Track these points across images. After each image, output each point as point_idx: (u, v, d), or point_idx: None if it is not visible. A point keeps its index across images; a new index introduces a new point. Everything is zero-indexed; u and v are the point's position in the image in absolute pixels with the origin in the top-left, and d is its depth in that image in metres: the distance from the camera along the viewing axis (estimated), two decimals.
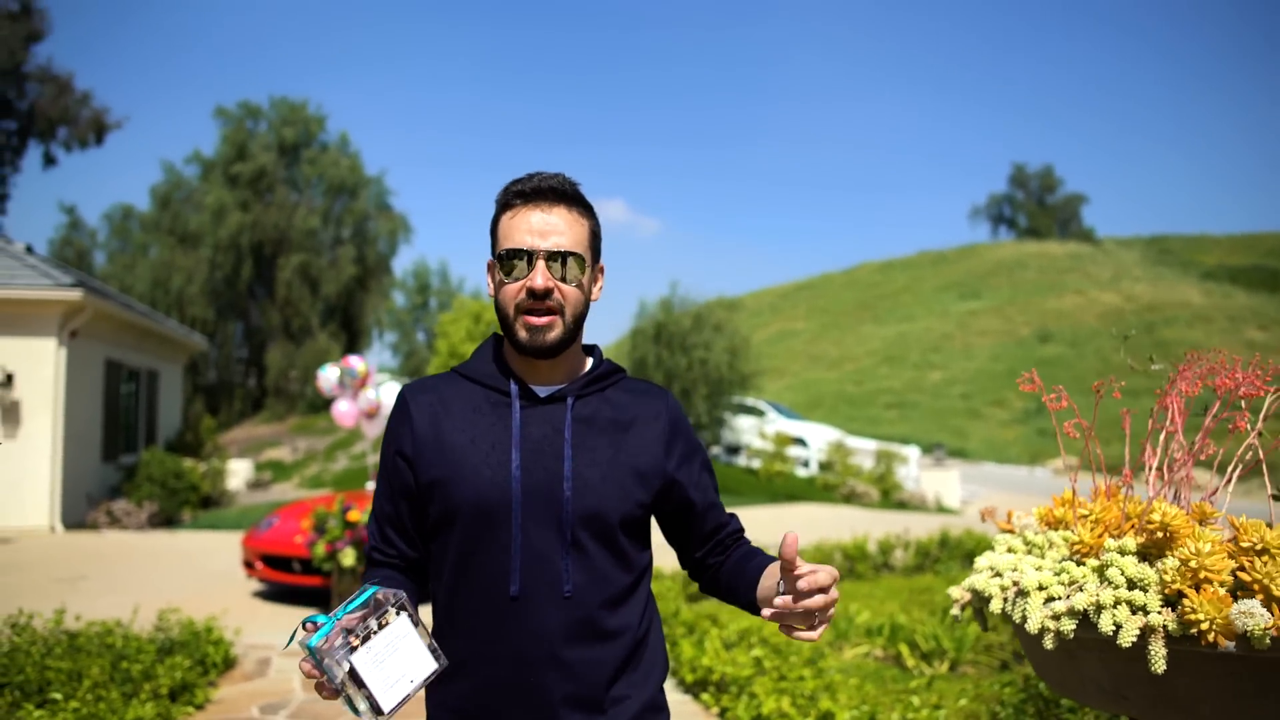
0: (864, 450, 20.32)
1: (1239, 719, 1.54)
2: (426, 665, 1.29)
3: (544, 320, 1.52)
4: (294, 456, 26.44)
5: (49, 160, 37.21)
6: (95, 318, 13.82)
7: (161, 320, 18.67)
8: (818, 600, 1.36)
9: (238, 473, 21.16)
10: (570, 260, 1.53)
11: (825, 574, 1.37)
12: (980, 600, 1.86)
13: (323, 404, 33.60)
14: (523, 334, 1.54)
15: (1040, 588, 1.71)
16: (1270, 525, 1.68)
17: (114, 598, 7.67)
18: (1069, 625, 1.61)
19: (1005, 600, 1.77)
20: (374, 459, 23.41)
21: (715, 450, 21.91)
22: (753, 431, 21.20)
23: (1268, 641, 1.43)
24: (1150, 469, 2.02)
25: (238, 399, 35.61)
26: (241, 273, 34.09)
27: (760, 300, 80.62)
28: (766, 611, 1.40)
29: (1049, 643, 1.65)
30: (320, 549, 7.03)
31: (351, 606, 1.28)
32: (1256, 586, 1.46)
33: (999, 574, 1.84)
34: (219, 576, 9.10)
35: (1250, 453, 1.95)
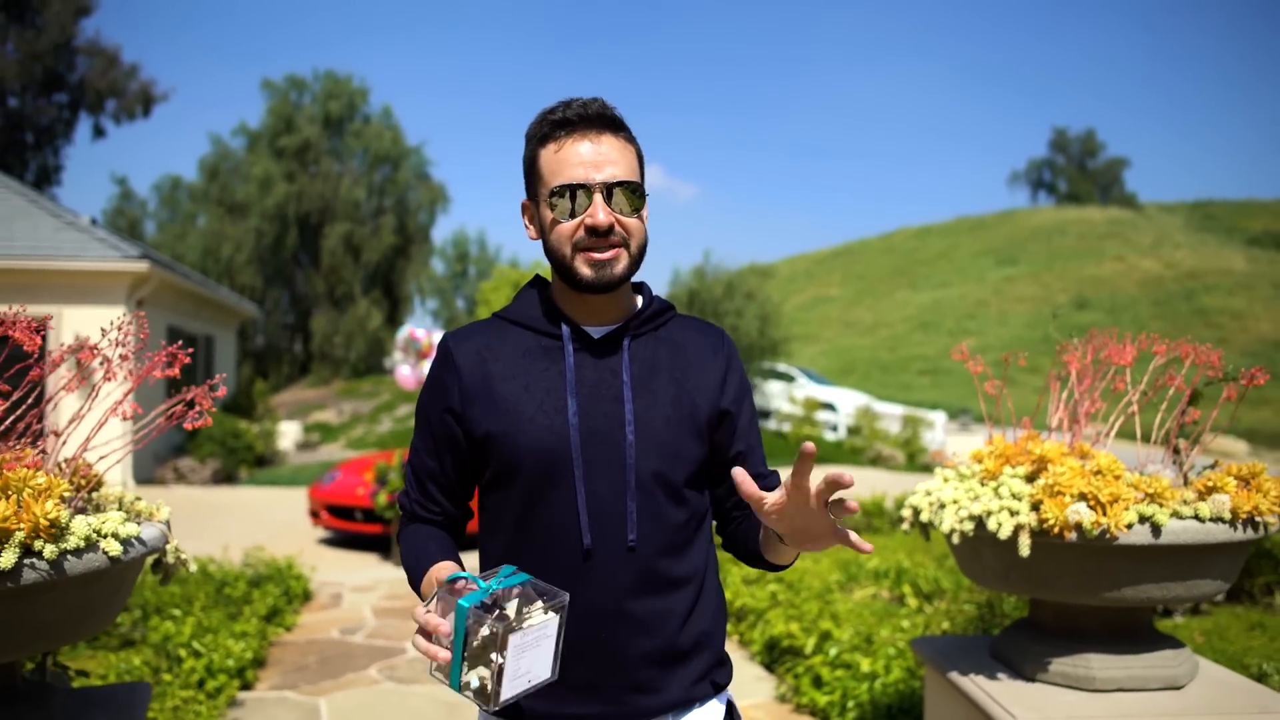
0: (891, 415, 20.81)
1: (1085, 589, 2.17)
2: (545, 671, 1.23)
3: (609, 254, 1.42)
4: (340, 419, 27.44)
5: (98, 132, 38.24)
6: (159, 287, 14.69)
7: (215, 288, 19.57)
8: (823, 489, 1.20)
9: (287, 434, 22.10)
10: (629, 191, 1.43)
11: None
12: (916, 515, 2.50)
13: (365, 369, 34.62)
14: (586, 271, 1.42)
15: (954, 502, 2.33)
16: (1145, 470, 2.29)
17: (195, 543, 8.49)
18: (969, 526, 2.24)
19: (931, 512, 2.40)
20: None
21: None
22: (783, 396, 21.74)
23: (1095, 533, 2.06)
24: (1054, 420, 2.61)
25: (285, 363, 36.77)
26: (287, 242, 35.09)
27: (795, 266, 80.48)
28: (771, 500, 1.25)
29: (956, 539, 2.29)
30: (382, 499, 7.78)
31: (506, 583, 1.22)
32: (1091, 496, 2.08)
33: (930, 494, 2.46)
34: (284, 526, 9.92)
35: (1129, 407, 2.53)
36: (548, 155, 1.44)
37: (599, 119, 1.43)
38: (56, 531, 1.63)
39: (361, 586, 7.03)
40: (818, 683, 4.27)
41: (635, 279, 1.56)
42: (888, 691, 3.77)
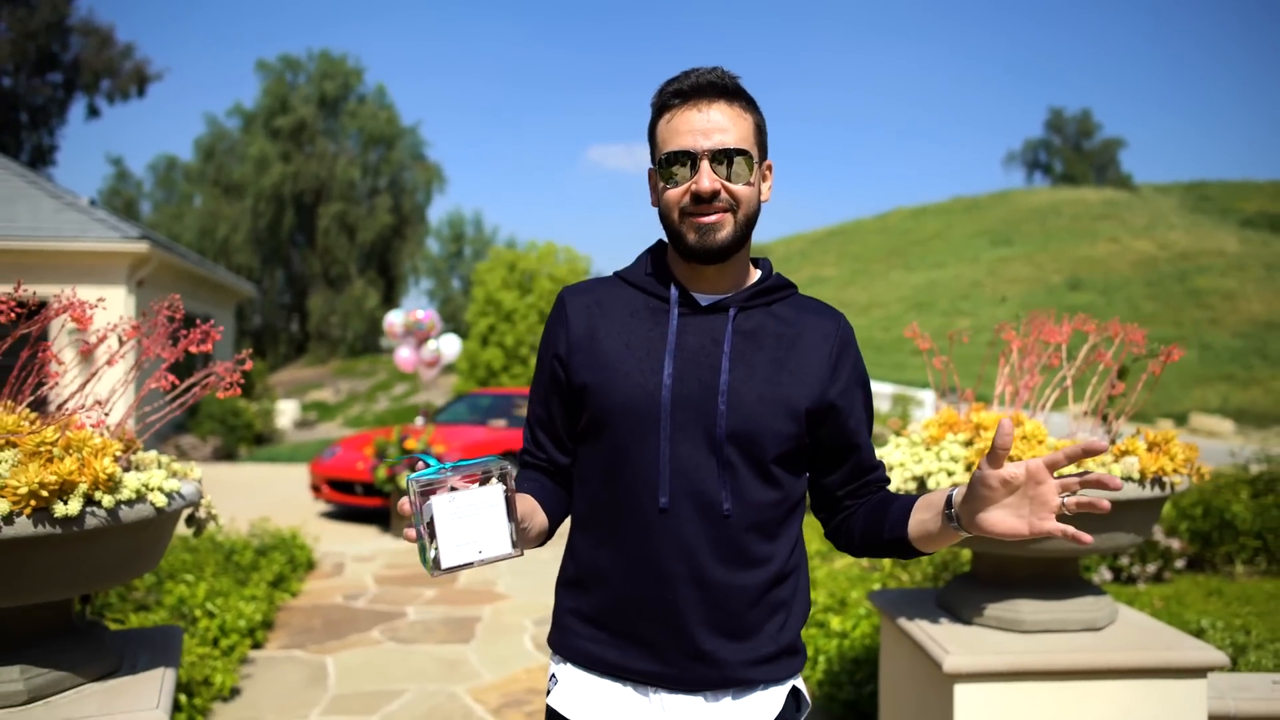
0: (881, 394, 21.12)
1: (1012, 541, 2.44)
2: (502, 545, 1.24)
3: (714, 218, 1.42)
4: (337, 398, 27.71)
5: (93, 112, 38.21)
6: (158, 268, 14.88)
7: (213, 269, 19.76)
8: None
9: (285, 412, 22.37)
10: (737, 158, 1.42)
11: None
12: None
13: (361, 348, 34.86)
14: (691, 235, 1.44)
15: (901, 464, 2.61)
16: (1076, 438, 2.55)
17: None
18: (912, 485, 2.51)
19: None
20: (417, 399, 24.52)
21: None
22: None
23: None
24: (999, 392, 2.88)
25: (282, 343, 37.00)
26: (283, 222, 35.24)
27: (791, 246, 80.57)
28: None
29: None
30: (381, 472, 8.06)
31: (467, 463, 1.25)
32: (1016, 457, 2.34)
33: (883, 459, 2.73)
34: (285, 500, 10.20)
35: (1064, 381, 2.80)
36: (662, 124, 1.47)
37: (711, 88, 1.44)
38: (112, 484, 1.89)
39: (363, 556, 7.32)
40: None
41: (756, 255, 1.59)
42: (854, 646, 4.06)
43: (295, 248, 36.86)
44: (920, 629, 2.61)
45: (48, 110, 37.43)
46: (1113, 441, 2.70)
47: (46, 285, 10.87)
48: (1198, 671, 2.43)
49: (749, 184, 1.44)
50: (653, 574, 1.43)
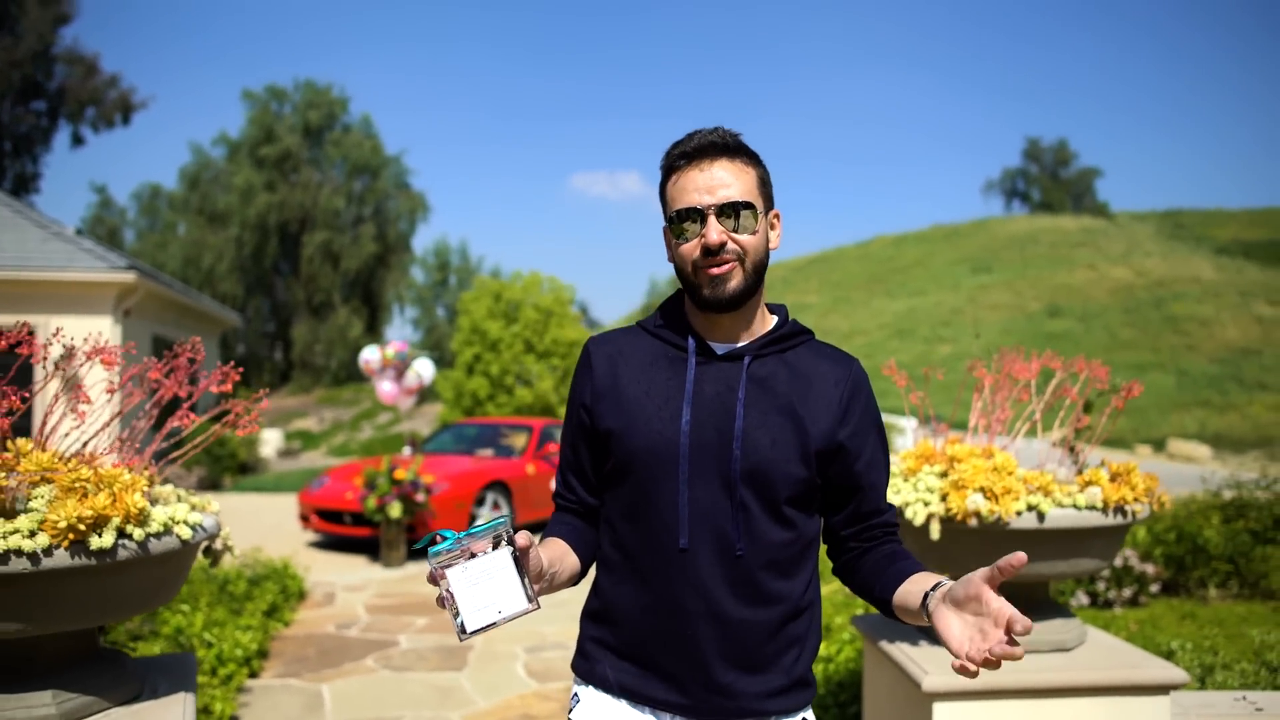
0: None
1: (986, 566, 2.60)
2: (518, 603, 1.31)
3: (725, 269, 1.50)
4: (321, 426, 27.68)
5: (77, 140, 38.27)
6: (145, 297, 14.93)
7: (198, 298, 19.79)
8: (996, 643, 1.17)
9: (269, 441, 22.35)
10: (743, 211, 1.51)
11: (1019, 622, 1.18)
12: None
13: (345, 377, 34.83)
14: (705, 289, 1.52)
15: None
16: (1055, 470, 2.71)
17: None
18: None
19: None
20: (401, 428, 24.49)
21: None
22: None
23: (990, 519, 2.49)
24: (973, 425, 3.03)
25: (266, 371, 36.92)
26: (267, 250, 35.31)
27: (773, 274, 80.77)
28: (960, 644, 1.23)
29: None
30: (371, 502, 8.14)
31: (480, 529, 1.33)
32: (988, 489, 2.51)
33: None
34: (273, 529, 10.24)
35: (1033, 415, 2.97)
36: (670, 185, 1.56)
37: (712, 147, 1.53)
38: (142, 518, 2.02)
39: (353, 586, 7.38)
40: None
41: (776, 303, 1.66)
42: (839, 670, 4.19)
43: (279, 276, 36.90)
44: (901, 651, 2.75)
45: (32, 138, 37.46)
46: (1079, 471, 2.86)
47: (34, 315, 10.91)
48: (1161, 689, 2.58)
49: (754, 234, 1.52)
50: (672, 610, 1.50)
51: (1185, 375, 44.80)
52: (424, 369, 10.04)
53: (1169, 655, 4.26)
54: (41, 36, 35.65)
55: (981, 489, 2.51)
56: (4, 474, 1.98)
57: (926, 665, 2.60)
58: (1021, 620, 1.16)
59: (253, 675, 4.94)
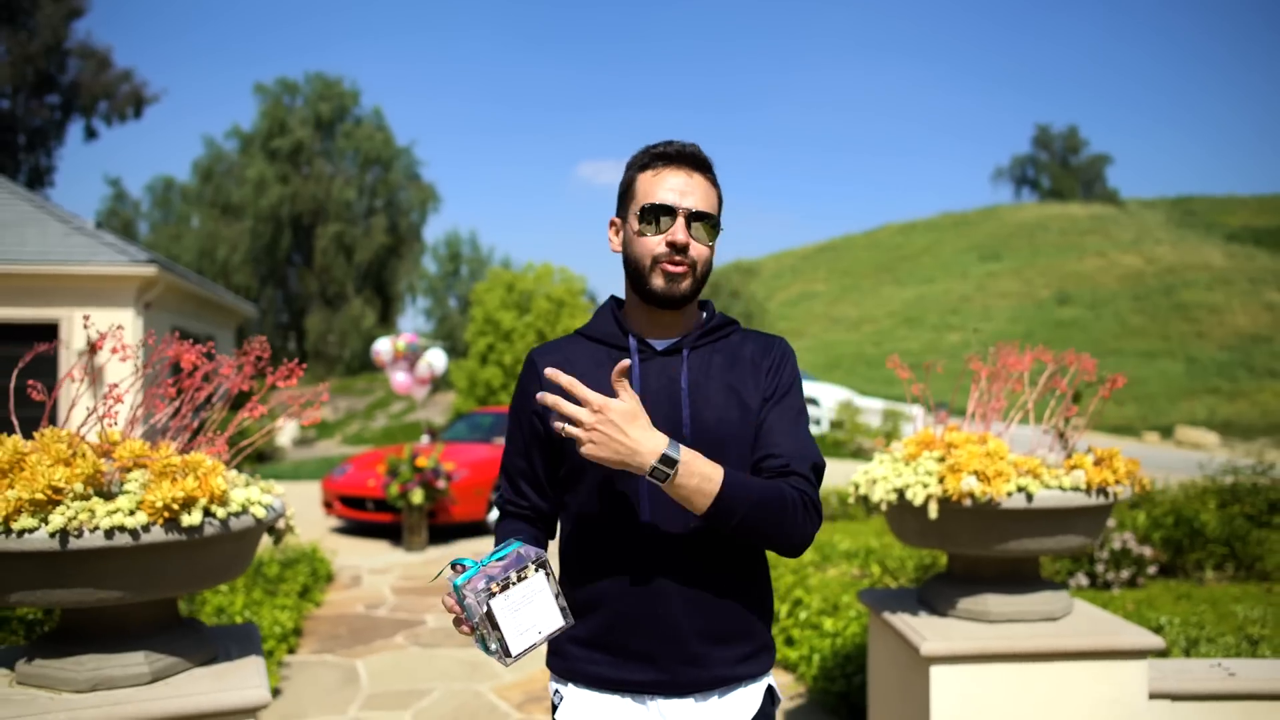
0: (872, 409, 21.55)
1: (980, 543, 2.84)
2: (555, 621, 1.40)
3: (681, 269, 1.60)
4: (335, 416, 28.02)
5: (90, 134, 38.56)
6: (165, 290, 15.22)
7: (216, 289, 20.10)
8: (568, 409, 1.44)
9: (285, 431, 22.68)
10: (705, 223, 1.62)
11: (582, 412, 1.44)
12: (858, 490, 3.16)
13: (359, 366, 35.17)
14: (659, 281, 1.61)
15: (884, 478, 2.99)
16: (1046, 454, 2.94)
17: None
18: (893, 496, 2.90)
19: (867, 487, 3.06)
20: (414, 417, 24.80)
21: None
22: None
23: (983, 499, 2.72)
24: (970, 413, 3.26)
25: (280, 362, 37.25)
26: (281, 242, 35.65)
27: (781, 262, 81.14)
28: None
29: (884, 507, 2.95)
30: (394, 489, 8.42)
31: (496, 556, 1.40)
32: (981, 472, 2.74)
33: (867, 474, 3.12)
34: (296, 516, 10.50)
35: (1024, 404, 3.19)
36: (645, 179, 1.65)
37: (694, 159, 1.66)
38: (224, 499, 2.27)
39: (378, 569, 7.67)
40: (790, 642, 4.94)
41: (703, 298, 1.76)
42: (846, 644, 4.44)
43: (293, 268, 37.26)
44: (902, 620, 2.99)
45: (46, 132, 37.77)
46: (1069, 455, 3.09)
47: (57, 308, 11.21)
48: (1139, 654, 2.82)
49: (709, 247, 1.66)
50: (643, 592, 1.59)
51: (1195, 362, 44.85)
52: (436, 359, 10.31)
53: (1158, 630, 4.50)
54: (55, 31, 35.91)
55: (975, 472, 2.75)
56: (104, 460, 2.23)
57: (925, 633, 2.85)
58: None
59: (291, 652, 5.22)
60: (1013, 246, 71.53)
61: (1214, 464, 8.57)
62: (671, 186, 1.62)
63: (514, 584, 1.38)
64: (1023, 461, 2.81)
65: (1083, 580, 6.52)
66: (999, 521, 2.77)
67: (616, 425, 1.44)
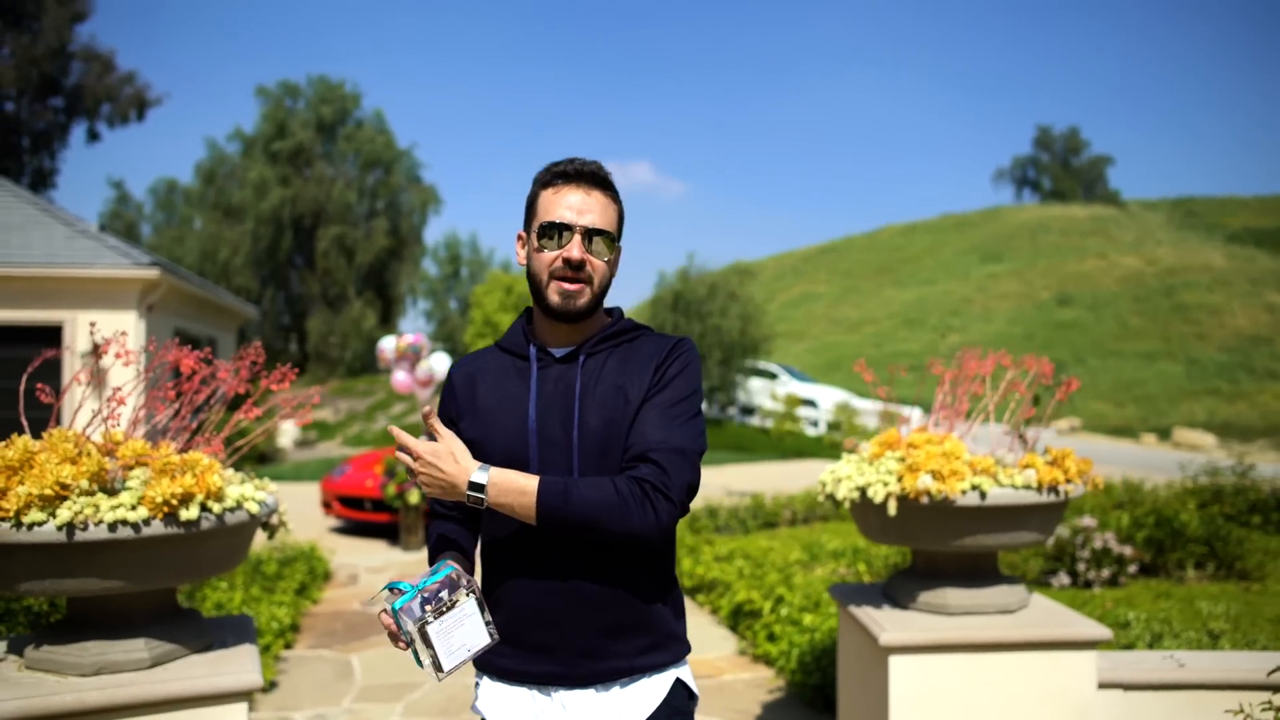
0: (869, 411, 21.68)
1: (937, 539, 2.99)
2: (483, 639, 1.53)
3: (576, 287, 1.68)
4: (336, 417, 28.19)
5: (93, 136, 38.75)
6: (167, 292, 15.39)
7: (217, 292, 20.27)
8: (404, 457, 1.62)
9: (285, 432, 22.83)
10: (603, 238, 1.70)
11: (418, 448, 1.62)
12: (825, 488, 3.31)
13: (360, 368, 35.35)
14: (555, 298, 1.69)
15: (848, 477, 3.14)
16: (1014, 456, 3.08)
17: None
18: (855, 494, 3.05)
19: (833, 485, 3.21)
20: (415, 418, 24.93)
21: (730, 411, 23.42)
22: (765, 393, 22.58)
23: (939, 497, 2.87)
24: (935, 416, 3.41)
25: (281, 363, 37.42)
26: (282, 244, 35.84)
27: (782, 263, 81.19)
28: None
29: (848, 504, 3.10)
30: (391, 489, 8.58)
31: (431, 581, 1.52)
32: (937, 471, 2.89)
33: (834, 473, 3.27)
34: (295, 516, 10.66)
35: (985, 405, 3.34)
36: (545, 196, 1.72)
37: (593, 176, 1.72)
38: (220, 495, 2.43)
39: (375, 568, 7.82)
40: (771, 638, 5.09)
41: (610, 305, 1.83)
42: (823, 639, 4.59)
43: (294, 269, 37.46)
44: (865, 613, 3.14)
45: (49, 134, 37.96)
46: (1031, 452, 3.24)
47: (61, 310, 11.37)
48: (1089, 644, 2.97)
49: (607, 261, 1.73)
50: (539, 588, 1.67)
51: (1195, 364, 44.88)
52: (438, 364, 10.46)
53: (1124, 626, 4.64)
54: (59, 34, 36.12)
55: (932, 471, 2.90)
56: (108, 459, 2.39)
57: (885, 624, 3.00)
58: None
59: (288, 646, 5.37)
60: (1014, 248, 71.48)
61: (1195, 465, 8.70)
62: (570, 204, 1.69)
63: (447, 610, 1.50)
64: (978, 461, 2.96)
65: (1065, 579, 6.66)
66: (955, 518, 2.92)
67: (433, 465, 1.60)
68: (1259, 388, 40.49)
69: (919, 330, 55.62)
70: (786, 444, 19.17)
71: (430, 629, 1.47)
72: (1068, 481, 2.96)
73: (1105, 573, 6.73)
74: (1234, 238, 69.88)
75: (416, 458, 1.62)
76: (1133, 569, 6.94)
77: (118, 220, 39.51)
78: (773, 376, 23.40)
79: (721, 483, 13.20)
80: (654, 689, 1.70)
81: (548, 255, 1.69)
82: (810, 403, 22.19)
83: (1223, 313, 51.23)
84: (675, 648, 1.74)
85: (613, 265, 1.76)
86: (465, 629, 1.50)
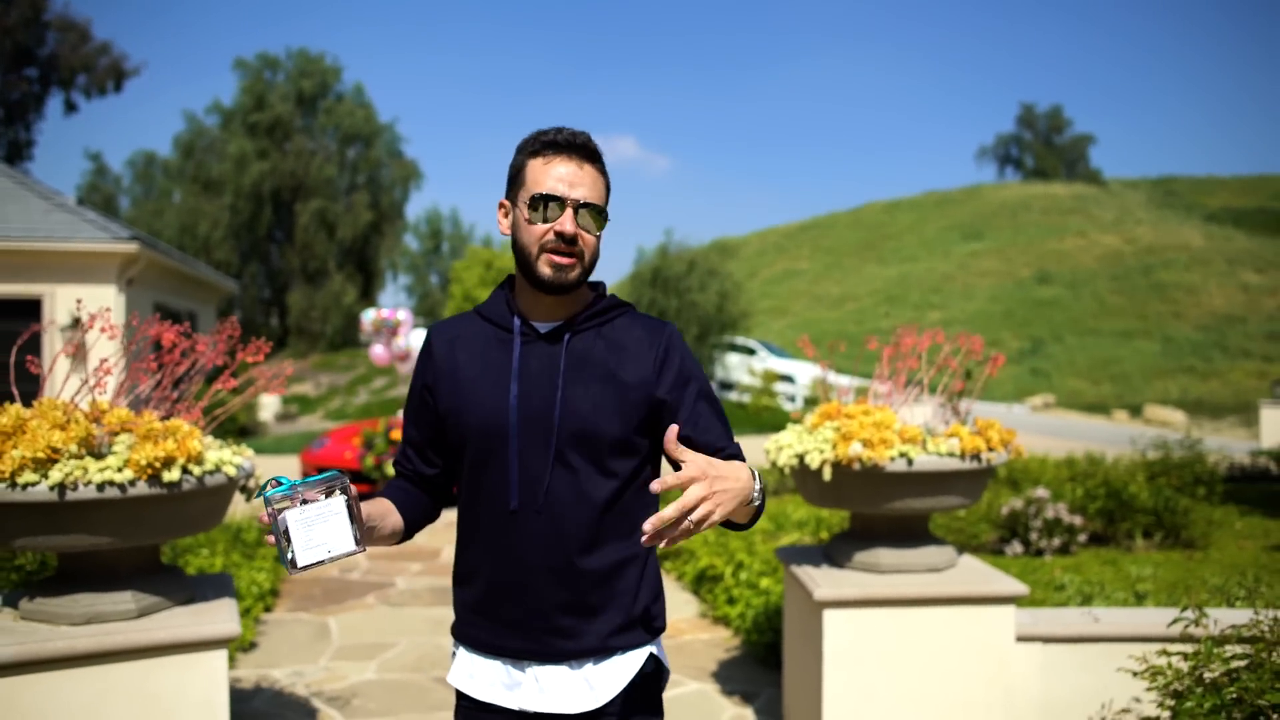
0: (846, 386, 21.95)
1: (870, 503, 3.23)
2: (347, 544, 1.45)
3: (569, 261, 1.64)
4: (317, 391, 28.28)
5: (70, 107, 38.33)
6: (146, 266, 15.42)
7: (197, 266, 20.27)
8: (685, 525, 1.37)
9: (267, 406, 22.93)
10: (593, 212, 1.66)
11: (694, 493, 1.38)
12: (769, 457, 3.54)
13: (341, 342, 35.39)
14: (546, 270, 1.64)
15: (788, 445, 3.37)
16: (945, 430, 3.30)
17: None
18: (794, 461, 3.28)
19: (775, 453, 3.44)
20: (396, 392, 25.10)
21: None
22: (742, 369, 22.84)
23: (869, 463, 3.11)
24: (877, 388, 3.63)
25: (262, 338, 37.42)
26: (262, 218, 35.71)
27: (765, 240, 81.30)
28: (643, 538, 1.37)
29: (787, 470, 3.33)
30: (370, 461, 8.79)
31: (313, 480, 1.47)
32: (868, 439, 3.12)
33: (776, 442, 3.50)
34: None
35: (920, 380, 3.57)
36: (535, 166, 1.67)
37: (585, 149, 1.68)
38: (199, 459, 2.63)
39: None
40: (730, 600, 5.35)
41: (594, 279, 1.77)
42: (777, 600, 4.84)
43: (274, 244, 37.36)
44: (804, 572, 3.39)
45: (24, 105, 37.53)
46: (962, 423, 3.48)
47: (39, 284, 11.43)
48: (1007, 600, 3.22)
49: (597, 236, 1.69)
50: (513, 566, 1.65)
51: (1170, 342, 45.49)
52: (417, 340, 10.66)
53: (1059, 588, 4.92)
54: (33, 3, 35.64)
55: (862, 440, 3.13)
56: (95, 425, 2.59)
57: (821, 581, 3.24)
58: (651, 522, 1.35)
59: (267, 610, 5.59)
60: (995, 225, 71.80)
61: (1145, 439, 9.02)
62: (560, 176, 1.65)
63: (311, 502, 1.44)
64: (906, 430, 3.20)
65: (1018, 548, 6.95)
66: (884, 483, 3.16)
67: (719, 485, 1.43)
68: (1231, 365, 41.13)
69: (901, 307, 55.95)
70: (764, 419, 19.44)
71: (289, 514, 1.42)
72: (990, 450, 3.20)
73: (1056, 541, 7.03)
74: (1212, 217, 70.48)
75: (699, 501, 1.39)
76: (1083, 538, 7.24)
77: (95, 193, 39.21)
78: (751, 352, 23.65)
79: None
80: (626, 665, 1.70)
81: (538, 228, 1.65)
82: (788, 378, 22.46)
83: (1199, 292, 51.82)
84: (650, 627, 1.74)
85: (600, 240, 1.73)
86: (329, 527, 1.44)
